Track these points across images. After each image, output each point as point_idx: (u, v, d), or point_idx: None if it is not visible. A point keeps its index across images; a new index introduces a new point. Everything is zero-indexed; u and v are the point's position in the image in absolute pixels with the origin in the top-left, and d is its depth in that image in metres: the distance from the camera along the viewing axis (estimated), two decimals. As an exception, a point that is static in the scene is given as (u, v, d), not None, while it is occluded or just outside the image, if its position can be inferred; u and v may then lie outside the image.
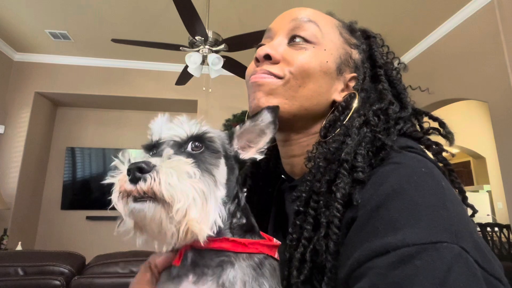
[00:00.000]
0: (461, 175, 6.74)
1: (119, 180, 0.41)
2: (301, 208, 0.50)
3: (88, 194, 4.83)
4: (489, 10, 3.08)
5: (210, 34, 2.78)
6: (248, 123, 0.51)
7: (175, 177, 0.39)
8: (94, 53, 4.36)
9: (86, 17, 3.54)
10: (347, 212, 0.44)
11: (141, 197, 0.39)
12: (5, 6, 3.35)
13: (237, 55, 3.07)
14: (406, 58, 4.18)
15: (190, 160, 0.42)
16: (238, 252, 0.44)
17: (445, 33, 3.62)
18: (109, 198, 0.42)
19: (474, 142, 5.98)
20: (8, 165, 4.10)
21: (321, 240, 0.44)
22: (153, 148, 0.47)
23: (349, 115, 0.54)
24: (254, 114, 0.52)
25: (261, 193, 0.68)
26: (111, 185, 0.42)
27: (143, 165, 0.38)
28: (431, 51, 3.86)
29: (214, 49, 2.81)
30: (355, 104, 0.55)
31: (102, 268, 1.49)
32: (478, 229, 3.91)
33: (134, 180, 0.38)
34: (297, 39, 0.58)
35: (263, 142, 0.52)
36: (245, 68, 0.65)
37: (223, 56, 2.85)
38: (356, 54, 0.61)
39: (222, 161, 0.47)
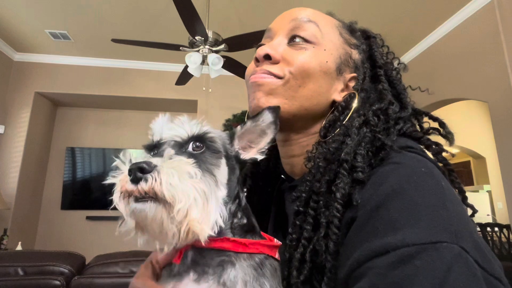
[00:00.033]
0: (461, 175, 6.74)
1: (120, 180, 0.41)
2: (301, 208, 0.50)
3: (88, 194, 4.83)
4: (489, 10, 3.08)
5: (210, 34, 2.78)
6: (249, 124, 0.51)
7: (176, 177, 0.39)
8: (94, 53, 4.36)
9: (86, 17, 3.54)
10: (347, 212, 0.44)
11: (142, 197, 0.39)
12: (5, 6, 3.35)
13: (237, 55, 3.07)
14: (406, 58, 4.18)
15: (191, 160, 0.42)
16: (239, 252, 0.44)
17: (445, 33, 3.62)
18: (110, 198, 0.42)
19: (474, 142, 5.98)
20: (8, 165, 4.10)
21: (321, 240, 0.44)
22: (154, 148, 0.47)
23: (349, 115, 0.54)
24: (255, 114, 0.52)
25: (261, 193, 0.68)
26: (111, 185, 0.42)
27: (144, 165, 0.38)
28: (431, 51, 3.86)
29: (214, 49, 2.81)
30: (354, 104, 0.55)
31: (102, 268, 1.49)
32: (478, 229, 3.91)
33: (135, 180, 0.39)
34: (297, 39, 0.58)
35: (264, 143, 0.52)
36: (245, 68, 0.65)
37: (223, 56, 2.85)
38: (356, 54, 0.61)
39: (223, 161, 0.47)
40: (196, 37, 2.72)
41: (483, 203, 6.04)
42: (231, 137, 0.51)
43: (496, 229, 3.97)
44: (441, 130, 0.54)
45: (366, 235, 0.39)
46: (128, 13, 3.46)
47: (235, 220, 0.48)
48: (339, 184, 0.45)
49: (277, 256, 0.48)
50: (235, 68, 3.13)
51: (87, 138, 4.97)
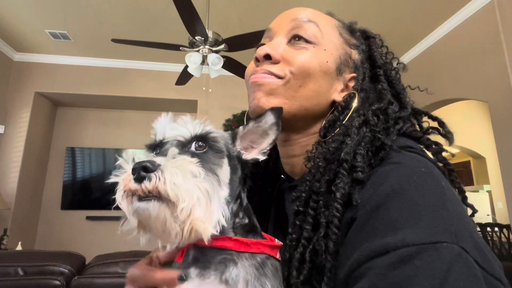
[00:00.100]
0: (461, 175, 6.74)
1: (123, 179, 0.41)
2: (300, 208, 0.50)
3: (88, 194, 4.83)
4: (489, 10, 3.08)
5: (210, 34, 2.78)
6: (251, 124, 0.52)
7: (180, 176, 0.39)
8: (94, 53, 4.36)
9: (86, 17, 3.54)
10: (347, 212, 0.44)
11: (145, 196, 0.39)
12: (5, 6, 3.35)
13: (237, 55, 3.07)
14: (406, 58, 4.18)
15: (195, 160, 0.42)
16: (241, 251, 0.44)
17: (445, 33, 3.62)
18: (112, 197, 0.42)
19: (474, 142, 5.98)
20: (8, 165, 4.10)
21: (321, 240, 0.44)
22: (157, 147, 0.47)
23: (349, 115, 0.54)
24: (258, 115, 0.52)
25: (261, 193, 0.68)
26: (112, 185, 0.42)
27: (148, 164, 0.38)
28: (431, 51, 3.86)
29: (214, 49, 2.81)
30: (354, 104, 0.55)
31: (102, 268, 1.49)
32: (478, 229, 3.91)
33: (139, 179, 0.39)
34: (297, 39, 0.58)
35: (266, 143, 0.52)
36: (245, 68, 0.65)
37: (223, 56, 2.85)
38: (355, 55, 0.61)
39: (225, 161, 0.48)
40: (196, 37, 2.72)
41: (483, 203, 6.04)
42: (233, 137, 0.51)
43: (496, 229, 3.97)
44: (441, 129, 0.54)
45: (366, 235, 0.39)
46: (128, 13, 3.46)
47: (237, 220, 0.48)
48: (339, 184, 0.45)
49: (278, 256, 0.48)
50: (235, 68, 3.13)
51: (87, 138, 4.97)
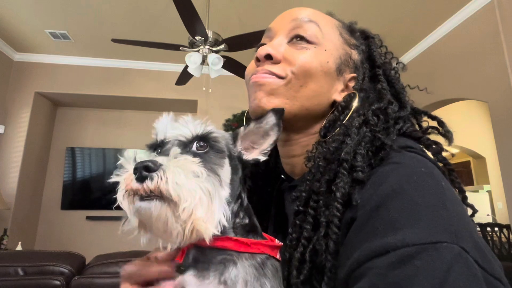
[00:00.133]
0: (461, 175, 6.74)
1: (124, 178, 0.41)
2: (300, 208, 0.50)
3: (88, 194, 4.83)
4: (489, 10, 3.08)
5: (210, 34, 2.78)
6: (252, 125, 0.52)
7: (183, 176, 0.39)
8: (94, 53, 4.36)
9: (86, 17, 3.54)
10: (347, 212, 0.44)
11: (147, 196, 0.39)
12: (5, 6, 3.35)
13: (237, 55, 3.07)
14: (406, 58, 4.18)
15: (197, 160, 0.42)
16: (241, 251, 0.44)
17: (445, 33, 3.62)
18: (113, 196, 0.42)
19: (474, 142, 5.98)
20: (8, 165, 4.10)
21: (321, 240, 0.44)
22: (158, 147, 0.48)
23: (349, 115, 0.54)
24: (260, 116, 0.52)
25: (261, 193, 0.68)
26: (112, 184, 0.42)
27: (150, 164, 0.38)
28: (431, 51, 3.86)
29: (214, 49, 2.81)
30: (355, 104, 0.55)
31: (102, 268, 1.49)
32: (478, 229, 3.91)
33: (140, 179, 0.39)
34: (298, 39, 0.58)
35: (267, 144, 0.52)
36: (245, 68, 0.65)
37: (223, 56, 2.85)
38: (355, 55, 0.61)
39: (226, 161, 0.48)
40: (196, 37, 2.72)
41: (483, 203, 6.04)
42: (234, 138, 0.52)
43: (496, 229, 3.97)
44: (440, 128, 0.54)
45: (366, 235, 0.39)
46: (128, 13, 3.46)
47: (237, 220, 0.48)
48: (339, 183, 0.45)
49: (278, 256, 0.48)
50: (235, 68, 3.13)
51: (87, 138, 4.97)
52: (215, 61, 2.75)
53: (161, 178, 0.38)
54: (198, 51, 2.80)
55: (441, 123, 0.55)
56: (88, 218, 4.70)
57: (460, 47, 3.42)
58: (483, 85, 3.16)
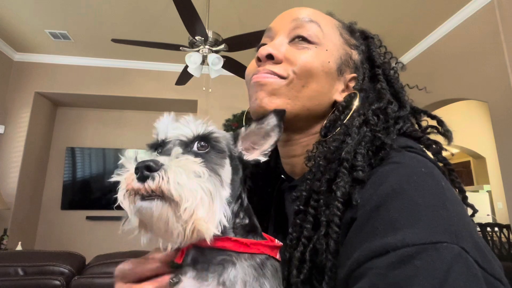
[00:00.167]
0: (461, 175, 6.74)
1: (125, 178, 0.41)
2: (301, 207, 0.50)
3: (88, 194, 4.83)
4: (489, 10, 3.08)
5: (210, 34, 2.78)
6: (253, 126, 0.52)
7: (184, 176, 0.39)
8: (94, 53, 4.36)
9: (86, 17, 3.54)
10: (347, 212, 0.44)
11: (148, 196, 0.39)
12: (5, 6, 3.35)
13: (237, 55, 3.07)
14: (406, 58, 4.18)
15: (199, 160, 0.42)
16: (240, 252, 0.44)
17: (445, 33, 3.62)
18: (114, 196, 0.42)
19: (474, 142, 5.98)
20: (8, 165, 4.10)
21: (321, 239, 0.44)
22: (159, 147, 0.47)
23: (349, 115, 0.54)
24: (261, 117, 0.52)
25: (261, 193, 0.68)
26: (112, 184, 0.42)
27: (152, 163, 0.38)
28: (431, 51, 3.86)
29: (214, 49, 2.81)
30: (355, 103, 0.55)
31: (102, 268, 1.49)
32: (478, 229, 3.91)
33: (142, 179, 0.39)
34: (299, 39, 0.58)
35: (268, 145, 0.52)
36: (245, 68, 0.65)
37: (223, 56, 2.85)
38: (355, 55, 0.61)
39: (227, 161, 0.48)
40: (196, 37, 2.72)
41: (483, 203, 6.04)
42: (235, 138, 0.52)
43: (496, 229, 3.97)
44: (440, 128, 0.55)
45: (366, 235, 0.39)
46: (128, 13, 3.46)
47: (237, 220, 0.48)
48: (339, 182, 0.45)
49: (278, 256, 0.48)
50: (235, 68, 3.13)
51: (87, 138, 4.97)
52: (215, 61, 2.75)
53: (163, 178, 0.38)
54: (198, 51, 2.80)
55: (440, 122, 0.55)
56: (88, 218, 4.70)
57: (460, 47, 3.42)
58: (483, 85, 3.15)
